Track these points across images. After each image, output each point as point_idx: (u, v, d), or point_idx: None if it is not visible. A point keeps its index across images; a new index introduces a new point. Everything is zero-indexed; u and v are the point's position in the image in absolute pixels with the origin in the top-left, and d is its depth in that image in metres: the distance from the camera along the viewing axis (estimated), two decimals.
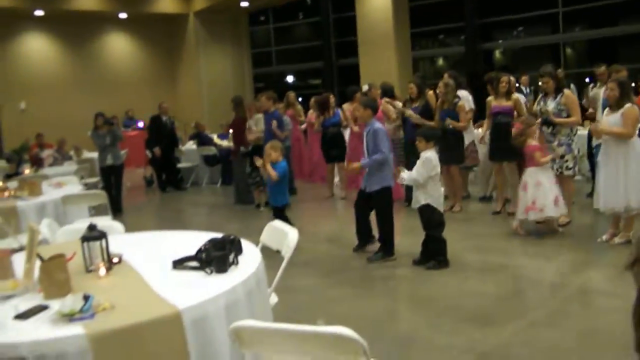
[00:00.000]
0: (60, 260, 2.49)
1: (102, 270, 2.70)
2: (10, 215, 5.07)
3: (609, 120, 5.59)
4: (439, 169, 5.35)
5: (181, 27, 17.89)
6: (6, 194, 5.67)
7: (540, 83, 6.63)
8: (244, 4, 16.99)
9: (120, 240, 3.41)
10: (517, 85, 8.86)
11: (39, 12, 15.45)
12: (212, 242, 2.81)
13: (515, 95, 7.25)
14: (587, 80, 14.33)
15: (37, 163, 9.34)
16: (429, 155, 5.29)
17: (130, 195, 11.19)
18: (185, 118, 15.21)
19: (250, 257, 2.89)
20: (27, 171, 8.23)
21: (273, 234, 3.55)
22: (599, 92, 7.23)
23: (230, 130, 9.95)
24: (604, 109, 6.84)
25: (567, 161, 6.34)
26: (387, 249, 5.71)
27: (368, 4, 13.68)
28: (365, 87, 9.01)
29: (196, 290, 2.44)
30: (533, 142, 6.12)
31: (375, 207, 5.79)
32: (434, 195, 5.28)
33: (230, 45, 18.62)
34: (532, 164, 6.09)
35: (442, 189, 5.53)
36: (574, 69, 14.62)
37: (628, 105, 5.42)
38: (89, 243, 2.79)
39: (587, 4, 14.21)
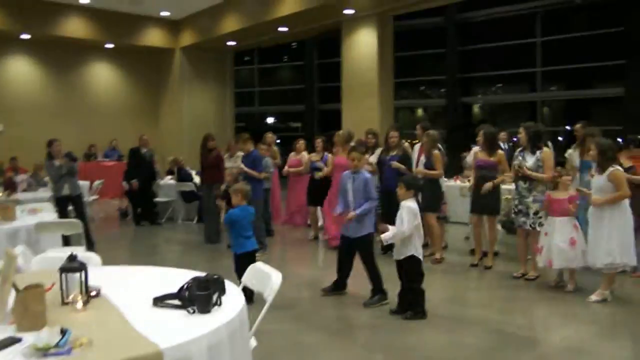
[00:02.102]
0: (39, 291, 2.39)
1: (80, 304, 2.60)
2: None
3: (596, 182, 5.72)
4: (420, 219, 5.28)
5: (167, 61, 17.95)
6: None
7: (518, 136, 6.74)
8: (231, 43, 17.15)
9: (98, 273, 3.30)
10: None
11: (25, 36, 15.39)
12: (195, 280, 2.74)
13: (501, 151, 7.33)
14: (560, 138, 14.70)
15: (10, 187, 9.10)
16: (411, 205, 5.22)
17: (102, 227, 10.98)
18: (165, 152, 15.13)
19: (233, 298, 2.82)
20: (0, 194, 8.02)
21: (256, 275, 3.48)
22: (575, 154, 7.37)
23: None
24: (581, 170, 7.00)
25: (540, 217, 6.40)
26: (382, 292, 5.72)
27: (354, 51, 13.92)
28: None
29: (178, 330, 2.36)
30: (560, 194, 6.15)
31: (360, 252, 5.82)
32: (417, 245, 5.22)
33: (214, 82, 18.71)
34: (553, 213, 6.12)
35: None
36: (550, 127, 14.97)
37: (612, 168, 5.57)
38: (67, 274, 2.70)
39: (564, 66, 14.69)
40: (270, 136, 10.65)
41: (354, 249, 5.86)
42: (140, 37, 17.03)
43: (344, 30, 14.16)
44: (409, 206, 5.20)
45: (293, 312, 5.56)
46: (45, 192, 9.62)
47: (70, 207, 8.35)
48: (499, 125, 10.64)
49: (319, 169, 9.25)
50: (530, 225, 6.46)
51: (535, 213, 6.42)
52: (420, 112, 18.82)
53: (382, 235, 5.26)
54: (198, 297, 2.61)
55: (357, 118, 13.16)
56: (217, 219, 8.67)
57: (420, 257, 5.27)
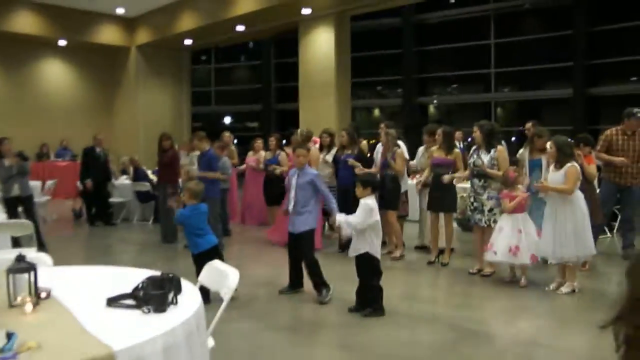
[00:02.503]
0: None
1: (29, 306, 2.51)
2: None
3: (554, 177, 5.88)
4: (378, 217, 5.26)
5: (122, 59, 17.62)
6: None
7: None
8: (188, 42, 16.94)
9: (48, 273, 3.20)
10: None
11: None
12: (150, 279, 2.68)
13: (457, 150, 7.44)
14: (512, 139, 15.01)
15: None
16: (368, 202, 5.20)
17: (55, 228, 10.69)
18: (120, 152, 14.83)
19: (189, 298, 2.77)
20: None
21: (212, 274, 3.44)
22: (525, 153, 7.56)
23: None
24: (530, 170, 7.15)
25: (494, 214, 6.52)
26: (326, 285, 5.76)
27: (311, 51, 13.93)
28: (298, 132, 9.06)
29: (132, 331, 2.31)
30: (505, 190, 6.28)
31: (303, 248, 5.83)
32: (373, 243, 5.21)
33: (171, 81, 18.47)
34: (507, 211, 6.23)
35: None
36: (504, 128, 15.29)
37: (569, 164, 5.77)
38: (14, 275, 2.60)
39: (516, 67, 15.03)
40: (227, 136, 10.45)
41: (299, 243, 5.87)
42: (95, 35, 16.67)
43: (301, 30, 14.17)
44: (365, 202, 5.20)
45: (251, 311, 5.52)
46: None
47: (20, 209, 8.11)
48: (454, 125, 10.82)
49: (272, 167, 9.24)
50: (485, 222, 6.58)
51: (490, 210, 6.54)
52: (377, 112, 18.95)
53: (337, 216, 5.33)
54: (153, 296, 2.56)
55: (314, 118, 13.17)
56: (172, 218, 8.53)
57: (377, 254, 5.25)
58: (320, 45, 13.80)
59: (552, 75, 14.67)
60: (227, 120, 21.68)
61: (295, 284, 6.06)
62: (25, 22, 15.22)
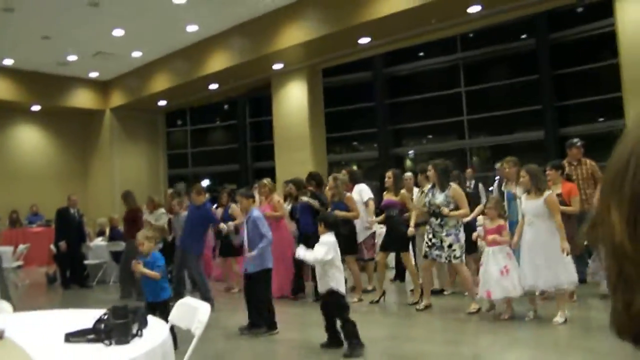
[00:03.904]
0: None
1: None
2: None
3: (529, 205, 5.88)
4: (337, 254, 5.30)
5: (96, 122, 17.57)
6: None
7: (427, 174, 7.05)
8: (162, 103, 17.02)
9: (7, 319, 3.03)
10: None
11: None
12: (113, 309, 2.54)
13: (403, 190, 7.60)
14: (495, 184, 15.08)
15: None
16: (326, 238, 5.30)
17: (27, 294, 10.34)
18: (95, 215, 14.57)
19: (156, 331, 2.62)
20: None
21: (182, 311, 3.28)
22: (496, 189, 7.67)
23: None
24: (508, 200, 7.16)
25: (454, 250, 6.56)
26: (271, 324, 6.00)
27: (285, 105, 14.05)
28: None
29: None
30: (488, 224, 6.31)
31: (255, 286, 6.06)
32: (336, 278, 5.23)
33: (146, 144, 18.42)
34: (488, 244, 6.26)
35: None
36: (480, 173, 15.40)
37: (548, 192, 5.82)
38: None
39: (487, 113, 15.30)
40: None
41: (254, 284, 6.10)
42: (68, 99, 16.64)
43: (273, 84, 14.33)
44: (324, 239, 5.30)
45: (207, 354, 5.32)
46: None
47: None
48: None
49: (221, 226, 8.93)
50: (446, 258, 6.60)
51: (450, 246, 6.56)
52: (355, 167, 19.06)
53: (298, 250, 5.45)
54: (115, 326, 2.42)
55: (291, 173, 13.10)
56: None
57: (342, 290, 5.25)
58: (294, 99, 13.94)
59: (524, 118, 14.93)
60: (205, 182, 21.62)
61: (254, 323, 6.10)
62: None
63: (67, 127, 17.56)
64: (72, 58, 14.62)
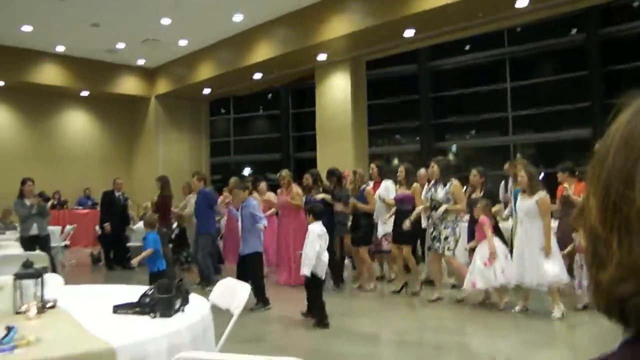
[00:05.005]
0: None
1: (33, 311, 2.47)
2: None
3: (523, 204, 6.17)
4: (323, 242, 5.89)
5: (142, 109, 17.96)
6: None
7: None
8: (206, 91, 17.26)
9: (59, 290, 3.16)
10: None
11: None
12: (158, 285, 2.63)
13: (415, 184, 7.77)
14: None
15: None
16: (314, 228, 5.94)
17: (73, 273, 10.65)
18: (138, 199, 14.93)
19: (198, 307, 2.71)
20: None
21: (223, 292, 3.36)
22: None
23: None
24: (515, 199, 7.24)
25: (449, 242, 6.90)
26: (263, 300, 6.71)
27: (328, 96, 14.08)
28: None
29: (136, 332, 2.24)
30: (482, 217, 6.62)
31: (247, 267, 6.78)
32: (320, 266, 5.86)
33: (190, 131, 18.72)
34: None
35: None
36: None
37: (542, 193, 6.09)
38: (21, 281, 2.57)
39: (533, 110, 15.02)
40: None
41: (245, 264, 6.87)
42: (116, 85, 17.06)
43: (317, 75, 14.37)
44: (311, 230, 5.95)
45: (269, 345, 5.45)
46: (13, 234, 9.37)
47: (37, 249, 8.13)
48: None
49: None
50: (440, 249, 6.95)
51: (445, 238, 6.89)
52: (396, 160, 18.97)
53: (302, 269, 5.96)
54: (160, 300, 2.51)
55: (332, 164, 13.12)
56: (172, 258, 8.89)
57: (320, 274, 5.90)
58: (337, 90, 13.95)
59: (571, 116, 14.60)
60: (247, 171, 21.83)
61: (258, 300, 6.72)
62: (50, 74, 15.65)
63: (114, 113, 18.01)
64: (120, 45, 14.97)
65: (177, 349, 2.23)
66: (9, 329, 1.98)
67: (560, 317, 5.88)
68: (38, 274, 2.58)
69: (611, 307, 0.61)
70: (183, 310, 2.58)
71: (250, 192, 9.87)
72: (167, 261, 9.03)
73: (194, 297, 2.84)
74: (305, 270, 5.84)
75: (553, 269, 5.91)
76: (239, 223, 7.09)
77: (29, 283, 2.57)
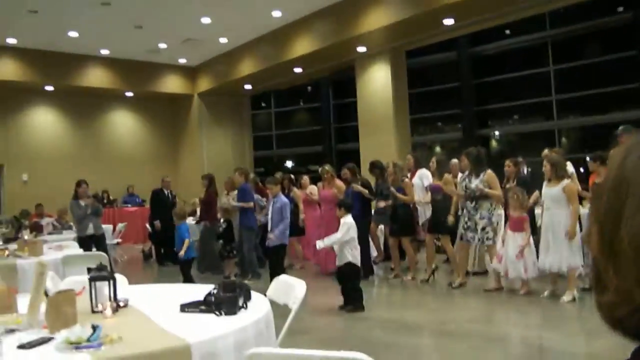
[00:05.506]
0: (70, 294, 2.45)
1: (109, 310, 2.65)
2: (10, 273, 4.99)
3: (548, 191, 6.38)
4: (354, 234, 6.22)
5: (185, 107, 18.32)
6: (6, 253, 5.60)
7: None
8: (247, 87, 17.49)
9: (125, 289, 3.35)
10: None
11: (49, 88, 15.82)
12: (222, 284, 2.77)
13: (446, 175, 8.00)
14: (581, 170, 14.55)
15: (36, 229, 9.23)
16: (346, 220, 6.28)
17: (126, 268, 11.02)
18: (185, 196, 15.28)
19: (259, 304, 2.84)
20: (26, 236, 8.12)
21: (279, 288, 3.50)
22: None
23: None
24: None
25: (487, 232, 7.08)
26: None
27: (369, 88, 14.11)
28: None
29: (205, 328, 2.39)
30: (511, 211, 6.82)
31: (270, 257, 7.64)
32: (354, 255, 6.21)
33: (232, 127, 19.00)
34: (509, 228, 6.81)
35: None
36: (570, 155, 14.93)
37: (568, 181, 6.28)
38: (96, 283, 2.75)
39: (579, 92, 14.71)
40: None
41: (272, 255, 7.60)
42: (159, 85, 17.45)
43: (357, 68, 14.41)
44: (344, 221, 6.27)
45: (317, 336, 5.57)
46: (70, 234, 9.76)
47: (94, 248, 8.47)
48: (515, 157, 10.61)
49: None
50: (479, 239, 7.15)
51: (483, 229, 7.07)
52: (438, 148, 18.87)
53: (318, 242, 6.44)
54: (225, 298, 2.64)
55: (375, 155, 13.16)
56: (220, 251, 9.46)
57: (357, 263, 6.26)
58: (377, 81, 13.97)
59: (618, 98, 14.25)
60: (289, 164, 22.03)
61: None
62: (95, 77, 16.12)
63: (158, 112, 18.44)
64: (162, 46, 15.30)
65: (243, 345, 2.37)
66: (95, 328, 2.15)
67: (570, 301, 6.07)
68: (111, 277, 2.75)
69: (613, 326, 0.69)
70: (246, 308, 2.71)
71: (288, 188, 10.12)
72: (214, 255, 9.41)
73: (254, 295, 2.97)
74: (321, 244, 6.30)
75: (571, 253, 6.10)
76: (269, 214, 7.83)
77: (102, 284, 2.75)
